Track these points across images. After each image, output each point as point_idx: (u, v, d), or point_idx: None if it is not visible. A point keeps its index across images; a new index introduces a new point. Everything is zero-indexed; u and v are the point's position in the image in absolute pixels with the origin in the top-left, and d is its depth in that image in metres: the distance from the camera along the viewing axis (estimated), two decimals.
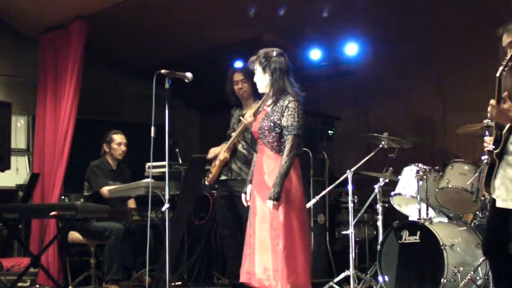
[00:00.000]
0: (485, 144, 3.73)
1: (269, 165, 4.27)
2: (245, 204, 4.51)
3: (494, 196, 3.63)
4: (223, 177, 5.42)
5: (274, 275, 4.12)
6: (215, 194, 5.77)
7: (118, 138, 6.37)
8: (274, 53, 4.34)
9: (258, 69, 4.37)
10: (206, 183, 5.58)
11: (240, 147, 5.39)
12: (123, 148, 6.37)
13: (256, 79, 4.43)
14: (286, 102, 4.25)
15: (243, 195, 4.53)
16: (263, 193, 4.24)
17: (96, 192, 6.17)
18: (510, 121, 3.40)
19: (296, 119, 4.20)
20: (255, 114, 5.15)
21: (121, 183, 6.29)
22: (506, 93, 3.33)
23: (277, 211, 4.15)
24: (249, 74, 5.26)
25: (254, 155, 4.55)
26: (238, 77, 5.48)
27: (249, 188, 4.47)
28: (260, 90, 4.45)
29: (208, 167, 6.06)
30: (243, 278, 4.30)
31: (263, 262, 4.19)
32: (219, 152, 5.50)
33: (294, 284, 4.13)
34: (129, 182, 6.32)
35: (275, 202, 4.11)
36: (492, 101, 3.35)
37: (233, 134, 5.40)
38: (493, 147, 3.58)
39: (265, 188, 4.25)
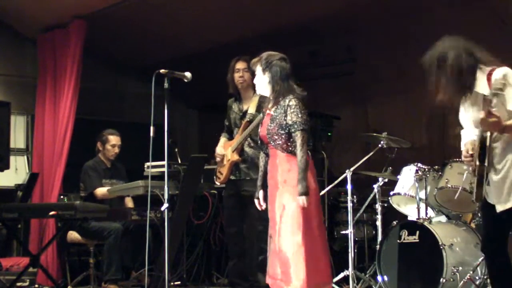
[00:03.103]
0: (465, 153, 3.77)
1: (283, 168, 4.30)
2: (260, 209, 4.55)
3: (489, 201, 3.69)
4: (232, 177, 5.39)
5: (293, 275, 4.14)
6: (224, 192, 5.74)
7: (114, 139, 6.35)
8: (277, 57, 4.38)
9: (258, 70, 4.41)
10: (217, 183, 5.54)
11: (246, 146, 5.35)
12: (116, 150, 6.36)
13: (255, 80, 4.46)
14: (287, 101, 4.30)
15: (256, 201, 4.56)
16: (280, 196, 4.29)
17: (90, 194, 6.17)
18: (501, 129, 3.46)
19: (299, 115, 4.25)
20: (258, 110, 5.15)
21: (117, 181, 6.30)
22: (494, 108, 3.40)
23: (297, 214, 4.19)
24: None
25: (261, 159, 4.57)
26: (241, 65, 5.41)
27: (261, 193, 4.52)
28: (258, 91, 4.48)
29: (208, 167, 6.07)
30: (267, 281, 4.35)
31: (281, 264, 4.22)
32: (225, 150, 5.46)
33: (316, 284, 4.17)
34: (125, 180, 6.35)
35: (305, 197, 4.17)
36: (482, 113, 3.41)
37: (238, 133, 5.36)
38: (479, 160, 3.63)
39: (278, 189, 4.31)
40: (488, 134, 3.57)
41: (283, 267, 4.20)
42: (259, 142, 4.57)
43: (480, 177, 3.64)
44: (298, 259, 4.14)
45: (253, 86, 5.33)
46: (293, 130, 4.25)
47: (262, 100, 5.06)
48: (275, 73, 4.33)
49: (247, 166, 5.33)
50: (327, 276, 4.31)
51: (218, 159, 5.48)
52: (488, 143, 3.58)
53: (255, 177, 5.21)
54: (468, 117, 3.79)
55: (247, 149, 5.35)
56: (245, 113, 5.40)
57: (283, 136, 4.29)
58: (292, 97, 4.29)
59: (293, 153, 4.28)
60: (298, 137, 4.23)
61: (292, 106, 4.26)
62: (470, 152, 3.73)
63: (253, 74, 4.91)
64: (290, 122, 4.26)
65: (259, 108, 5.16)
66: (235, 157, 5.30)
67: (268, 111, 4.43)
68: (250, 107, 5.34)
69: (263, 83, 4.40)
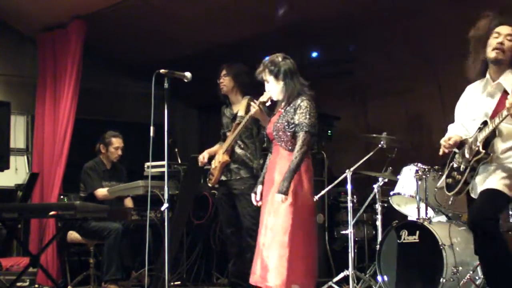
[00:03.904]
0: (446, 140, 3.77)
1: (281, 165, 4.32)
2: (256, 204, 4.57)
3: (472, 195, 3.66)
4: (223, 178, 5.44)
5: (273, 274, 4.15)
6: (216, 194, 5.78)
7: (117, 142, 6.36)
8: (280, 58, 4.41)
9: (269, 78, 4.43)
10: (210, 184, 5.58)
11: (237, 147, 5.40)
12: (119, 152, 6.37)
13: (268, 87, 4.48)
14: (299, 101, 4.34)
15: (252, 195, 4.59)
16: (274, 193, 4.29)
17: (90, 194, 6.17)
18: None
19: (307, 117, 4.29)
20: (247, 113, 5.18)
21: (116, 182, 6.30)
22: None
23: (286, 214, 4.20)
24: (231, 69, 5.37)
25: (268, 158, 4.60)
26: (222, 71, 5.54)
27: (259, 188, 4.55)
28: (275, 98, 4.49)
29: (208, 167, 6.07)
30: (251, 279, 4.35)
31: (262, 260, 4.23)
32: (217, 153, 5.49)
33: (294, 284, 4.18)
34: (125, 181, 6.35)
35: (283, 196, 4.18)
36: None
37: (229, 135, 5.41)
38: (483, 148, 3.61)
39: (273, 186, 4.32)
40: (496, 123, 3.54)
41: (263, 264, 4.21)
42: (265, 139, 4.60)
43: (472, 169, 3.63)
44: (281, 258, 4.16)
45: (238, 90, 5.43)
46: (297, 129, 4.29)
47: (250, 102, 5.11)
48: (286, 74, 4.38)
49: (238, 167, 5.38)
50: (307, 278, 4.32)
51: (200, 158, 5.53)
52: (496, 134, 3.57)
53: (245, 176, 5.27)
54: (476, 106, 3.75)
55: (237, 150, 5.40)
56: (235, 116, 5.45)
57: (288, 134, 4.32)
58: (304, 98, 4.34)
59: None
60: (300, 138, 4.26)
61: (302, 107, 4.31)
62: (451, 142, 3.73)
63: (233, 75, 5.26)
64: (296, 122, 4.29)
65: (248, 110, 5.21)
66: (225, 158, 5.35)
67: (280, 109, 4.46)
68: (240, 110, 5.40)
69: (278, 89, 4.43)
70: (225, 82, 5.50)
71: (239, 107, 5.43)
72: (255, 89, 4.90)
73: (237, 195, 5.32)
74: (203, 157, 5.54)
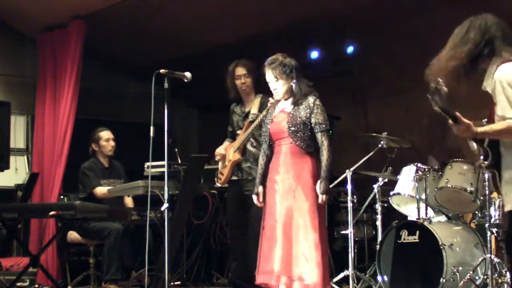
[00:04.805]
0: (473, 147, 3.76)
1: (292, 163, 4.38)
2: (259, 205, 4.59)
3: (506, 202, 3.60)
4: (234, 177, 5.38)
5: (311, 272, 4.21)
6: (226, 195, 5.74)
7: (106, 134, 6.36)
8: (287, 57, 4.44)
9: (280, 76, 4.41)
10: (218, 184, 5.54)
11: (249, 145, 5.35)
12: (112, 143, 6.35)
13: (276, 86, 4.47)
14: (312, 100, 4.40)
15: (254, 197, 4.60)
16: (291, 191, 4.35)
17: (90, 194, 6.17)
18: (474, 134, 3.41)
19: (324, 115, 4.40)
20: (260, 111, 5.17)
21: (115, 179, 6.30)
22: (457, 113, 3.37)
23: (313, 211, 4.29)
24: (251, 69, 5.30)
25: (262, 157, 4.60)
26: (241, 71, 5.42)
27: (260, 189, 4.57)
28: (280, 97, 4.49)
29: (208, 167, 6.06)
30: (263, 279, 4.35)
31: (299, 260, 4.26)
32: (227, 152, 5.45)
33: (325, 284, 4.29)
34: (123, 178, 6.36)
35: (325, 196, 4.31)
36: (450, 121, 3.36)
37: (241, 133, 5.36)
38: (485, 162, 3.58)
39: (292, 185, 4.36)
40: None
41: (296, 263, 4.24)
42: (267, 139, 4.58)
43: (493, 175, 3.60)
44: (315, 257, 4.22)
45: (254, 89, 5.40)
46: (318, 128, 4.35)
47: (264, 101, 5.10)
48: (298, 74, 4.43)
49: (249, 166, 5.32)
50: (328, 277, 4.40)
51: (217, 158, 5.49)
52: (486, 144, 3.55)
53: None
54: None
55: (250, 148, 5.34)
56: (247, 114, 5.41)
57: (305, 132, 4.37)
58: (315, 97, 4.41)
59: (309, 149, 4.38)
60: (325, 137, 4.36)
61: (318, 106, 4.39)
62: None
63: (253, 75, 5.14)
64: (316, 121, 4.35)
65: (261, 108, 5.18)
66: (237, 156, 5.30)
67: (284, 109, 4.47)
68: (252, 108, 5.36)
69: (287, 88, 4.44)
70: (248, 82, 5.40)
71: (252, 105, 5.39)
72: (265, 87, 4.88)
73: (250, 197, 5.26)
74: (219, 151, 5.48)
